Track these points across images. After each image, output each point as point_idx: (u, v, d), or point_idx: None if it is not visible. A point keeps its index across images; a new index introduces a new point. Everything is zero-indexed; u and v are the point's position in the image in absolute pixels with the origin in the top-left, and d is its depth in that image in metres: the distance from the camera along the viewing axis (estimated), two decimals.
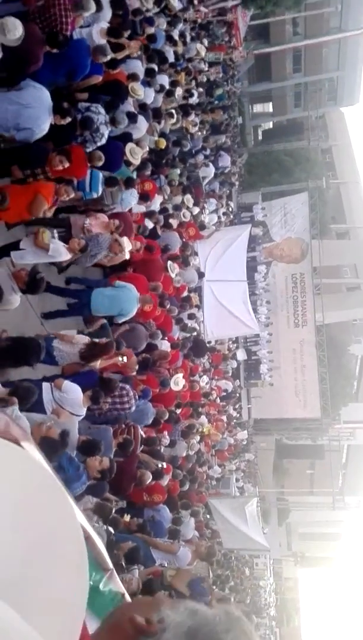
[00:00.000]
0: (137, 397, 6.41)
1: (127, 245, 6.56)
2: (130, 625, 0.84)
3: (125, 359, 6.20)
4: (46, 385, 4.75)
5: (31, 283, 4.44)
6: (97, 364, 5.62)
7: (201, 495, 11.45)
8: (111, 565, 1.31)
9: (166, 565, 6.20)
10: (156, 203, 8.62)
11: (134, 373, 6.81)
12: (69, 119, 5.04)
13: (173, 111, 9.19)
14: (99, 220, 5.78)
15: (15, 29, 4.18)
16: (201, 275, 12.37)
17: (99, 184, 5.80)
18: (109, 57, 5.68)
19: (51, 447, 3.76)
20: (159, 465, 6.61)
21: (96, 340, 5.45)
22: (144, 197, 7.61)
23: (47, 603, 0.66)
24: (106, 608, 1.25)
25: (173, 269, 9.28)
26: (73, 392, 4.86)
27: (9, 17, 4.18)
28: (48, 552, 0.67)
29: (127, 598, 1.30)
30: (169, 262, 9.04)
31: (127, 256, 6.55)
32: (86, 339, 5.42)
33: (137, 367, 6.68)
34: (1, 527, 0.64)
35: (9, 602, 0.59)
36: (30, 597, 0.64)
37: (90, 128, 5.30)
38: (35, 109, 4.69)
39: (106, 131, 5.46)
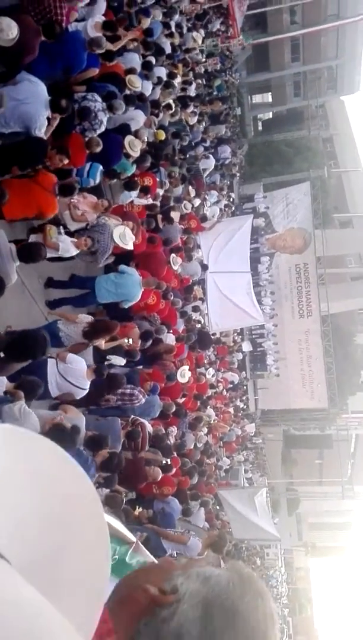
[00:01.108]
0: (146, 396, 6.44)
1: (131, 237, 6.57)
2: (143, 595, 0.83)
3: (131, 340, 6.24)
4: (51, 360, 4.78)
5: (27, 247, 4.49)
6: (102, 345, 5.64)
7: (210, 486, 11.48)
8: (133, 538, 1.32)
9: (176, 555, 6.24)
10: (156, 197, 8.60)
11: (138, 345, 6.78)
12: (65, 115, 5.04)
13: (171, 102, 9.16)
14: (87, 200, 5.72)
15: (9, 30, 4.19)
16: (204, 267, 12.36)
17: (97, 173, 5.78)
18: (104, 49, 5.65)
19: (61, 436, 3.78)
20: (164, 462, 6.63)
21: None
22: (145, 190, 7.59)
23: (70, 584, 0.66)
24: None
25: (176, 261, 9.28)
26: (77, 362, 4.89)
27: (4, 18, 4.18)
28: (71, 533, 0.66)
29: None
30: (172, 255, 9.04)
31: (130, 247, 6.55)
32: (89, 318, 5.48)
33: (140, 341, 6.67)
34: (27, 510, 0.63)
35: (34, 583, 0.58)
36: (55, 578, 0.64)
37: (88, 117, 5.29)
38: (31, 105, 4.68)
39: (104, 118, 5.44)
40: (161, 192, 8.50)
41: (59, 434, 3.80)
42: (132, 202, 7.51)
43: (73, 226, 5.73)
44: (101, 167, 5.89)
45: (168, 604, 0.81)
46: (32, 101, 4.68)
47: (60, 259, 5.74)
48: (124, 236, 6.34)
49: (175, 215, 9.53)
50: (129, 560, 1.26)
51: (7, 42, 4.21)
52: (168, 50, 9.52)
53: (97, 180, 5.90)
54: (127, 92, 6.57)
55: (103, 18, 6.23)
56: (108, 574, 0.69)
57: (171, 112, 8.98)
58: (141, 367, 7.39)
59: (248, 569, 0.87)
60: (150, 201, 8.14)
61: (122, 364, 6.28)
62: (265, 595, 0.83)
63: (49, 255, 5.13)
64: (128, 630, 0.81)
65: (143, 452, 6.31)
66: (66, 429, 3.92)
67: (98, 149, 5.43)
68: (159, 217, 8.64)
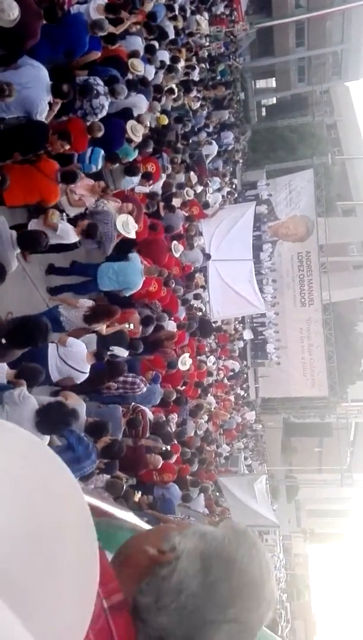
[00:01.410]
0: (147, 385, 6.45)
1: (133, 226, 6.54)
2: (144, 556, 0.86)
3: (132, 326, 6.24)
4: (51, 344, 4.79)
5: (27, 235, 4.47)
6: (103, 330, 5.63)
7: (210, 473, 11.56)
8: (144, 523, 1.32)
9: None
10: (158, 183, 8.54)
11: (139, 331, 6.78)
12: (67, 100, 4.98)
13: (174, 87, 9.05)
14: (83, 182, 5.67)
15: (10, 10, 4.11)
16: (207, 256, 12.31)
17: (99, 158, 5.73)
18: (107, 32, 5.57)
19: (60, 411, 3.80)
20: (164, 449, 6.66)
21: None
22: (147, 176, 7.53)
23: (55, 596, 0.62)
24: None
25: (178, 249, 9.24)
26: (77, 345, 4.89)
27: None
28: (50, 540, 0.62)
29: None
30: (174, 242, 8.99)
31: (133, 236, 6.51)
32: (89, 302, 5.47)
33: (141, 327, 6.68)
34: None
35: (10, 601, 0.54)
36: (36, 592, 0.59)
37: (90, 94, 5.22)
38: (33, 89, 4.63)
39: (106, 102, 5.37)
40: (163, 177, 8.44)
41: (57, 408, 3.82)
42: (133, 188, 7.45)
43: (72, 211, 5.68)
44: (102, 152, 5.83)
45: (167, 562, 0.84)
46: (34, 86, 4.63)
47: (63, 248, 5.70)
48: (127, 225, 6.31)
49: (177, 201, 9.47)
50: None
51: (8, 22, 4.13)
52: (172, 34, 9.38)
53: (99, 166, 5.85)
54: (130, 76, 6.48)
55: (105, 0, 6.13)
56: (97, 574, 0.67)
57: (173, 96, 8.88)
58: (142, 354, 7.40)
59: (242, 525, 0.91)
60: (153, 188, 8.09)
61: (125, 355, 6.29)
62: (259, 546, 0.87)
63: (51, 241, 5.10)
64: (131, 590, 0.83)
65: (143, 440, 6.34)
66: (65, 405, 3.93)
67: (100, 134, 5.37)
68: (161, 204, 8.57)
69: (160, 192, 8.55)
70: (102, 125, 5.40)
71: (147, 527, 1.27)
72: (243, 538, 0.87)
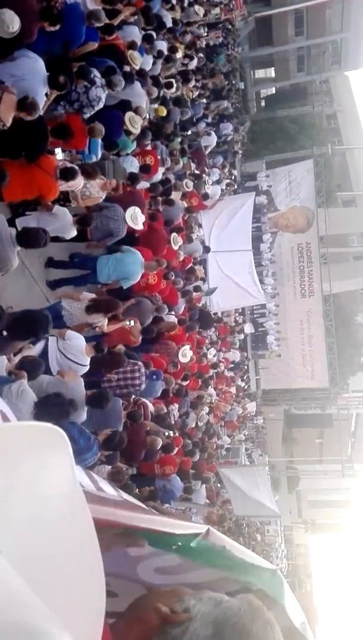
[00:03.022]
0: (147, 373, 6.46)
1: (141, 218, 6.62)
2: (155, 614, 0.85)
3: (132, 322, 6.27)
4: (51, 338, 4.84)
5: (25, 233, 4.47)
6: (104, 325, 5.65)
7: (212, 464, 11.61)
8: (199, 528, 1.31)
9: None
10: (158, 175, 8.50)
11: (139, 341, 6.82)
12: (64, 91, 4.96)
13: (173, 80, 8.99)
14: (96, 181, 5.72)
15: (12, 23, 4.13)
16: (206, 249, 12.28)
17: (98, 148, 5.71)
18: (103, 22, 5.52)
19: (59, 405, 3.83)
20: (167, 433, 6.69)
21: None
22: (146, 169, 7.49)
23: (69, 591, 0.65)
24: (210, 554, 1.27)
25: (177, 241, 9.21)
26: (76, 339, 4.94)
27: (7, 10, 4.10)
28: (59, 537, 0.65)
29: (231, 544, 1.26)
30: (173, 234, 8.97)
31: (140, 227, 6.56)
32: (91, 295, 5.53)
33: (141, 337, 6.70)
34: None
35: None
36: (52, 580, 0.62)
37: (87, 76, 5.20)
38: (29, 81, 4.61)
39: (103, 94, 5.34)
40: (161, 170, 8.40)
41: (55, 400, 3.85)
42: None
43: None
44: (100, 142, 5.81)
45: (179, 622, 0.82)
46: (30, 77, 4.60)
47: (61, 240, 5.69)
48: (136, 217, 6.45)
49: (176, 194, 9.44)
50: (196, 545, 1.26)
51: (8, 34, 4.15)
52: (169, 23, 9.31)
53: (99, 155, 5.83)
54: (127, 68, 6.44)
55: None
56: (104, 591, 0.67)
57: (172, 89, 8.82)
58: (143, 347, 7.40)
59: (259, 601, 0.88)
60: (151, 179, 8.06)
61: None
62: (273, 623, 0.85)
63: (47, 227, 5.08)
64: None
65: (146, 422, 6.39)
66: (62, 396, 3.96)
67: (100, 136, 5.39)
68: (161, 199, 8.55)
69: (160, 184, 8.52)
70: (103, 129, 5.41)
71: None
72: (259, 613, 0.85)
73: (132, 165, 6.89)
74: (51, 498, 0.67)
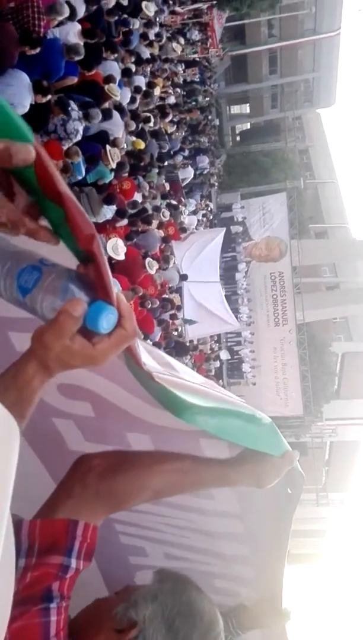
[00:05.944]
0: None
1: (123, 249, 6.66)
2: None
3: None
4: None
5: None
6: None
7: None
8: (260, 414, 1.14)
9: None
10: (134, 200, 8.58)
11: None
12: (49, 97, 5.05)
13: (150, 115, 9.22)
14: None
15: None
16: (183, 277, 12.41)
17: (81, 167, 5.78)
18: (83, 56, 5.69)
19: None
20: None
21: None
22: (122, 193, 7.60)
23: None
24: (269, 438, 1.18)
25: (152, 265, 9.20)
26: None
27: None
28: None
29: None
30: (148, 259, 8.97)
31: (122, 258, 6.61)
32: None
33: None
34: None
35: None
36: None
37: (65, 108, 5.31)
38: (16, 87, 4.72)
39: (80, 127, 5.46)
40: (139, 199, 8.52)
41: None
42: (114, 223, 7.47)
43: None
44: (81, 161, 5.89)
45: (133, 638, 0.83)
46: (17, 84, 4.71)
47: None
48: (117, 248, 6.45)
49: (153, 223, 9.55)
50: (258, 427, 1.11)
51: None
52: (147, 57, 9.58)
53: (83, 173, 5.89)
54: (106, 104, 6.59)
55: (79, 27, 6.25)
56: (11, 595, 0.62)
57: (150, 124, 9.04)
58: None
59: (172, 570, 0.92)
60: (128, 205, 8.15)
61: None
62: (196, 585, 0.90)
63: None
64: None
65: None
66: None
67: (78, 159, 5.45)
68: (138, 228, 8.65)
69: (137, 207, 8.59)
70: (79, 150, 5.48)
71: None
72: (186, 584, 0.89)
73: (109, 207, 6.96)
74: None
